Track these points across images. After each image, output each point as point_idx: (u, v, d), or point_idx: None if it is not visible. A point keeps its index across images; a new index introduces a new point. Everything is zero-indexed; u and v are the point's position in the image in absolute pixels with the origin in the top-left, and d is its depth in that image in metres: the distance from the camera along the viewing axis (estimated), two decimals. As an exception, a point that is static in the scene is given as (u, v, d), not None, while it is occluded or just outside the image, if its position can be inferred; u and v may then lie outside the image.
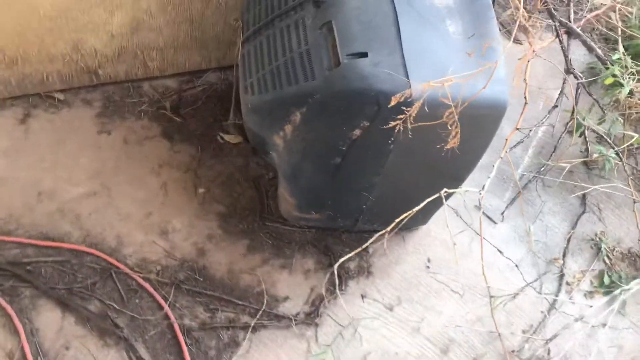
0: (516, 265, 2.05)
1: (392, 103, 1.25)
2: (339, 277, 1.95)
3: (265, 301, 1.86)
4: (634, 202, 2.21)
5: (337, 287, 1.92)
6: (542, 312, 2.03)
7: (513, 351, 1.92)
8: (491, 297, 1.85)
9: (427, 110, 1.29)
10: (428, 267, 2.04)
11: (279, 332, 1.84)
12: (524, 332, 1.99)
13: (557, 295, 2.07)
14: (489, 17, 1.53)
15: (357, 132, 1.46)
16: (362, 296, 1.95)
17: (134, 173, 2.02)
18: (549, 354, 1.96)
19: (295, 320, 1.86)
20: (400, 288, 1.99)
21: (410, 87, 1.33)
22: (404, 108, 1.29)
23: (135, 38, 2.06)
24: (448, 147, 1.34)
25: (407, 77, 1.35)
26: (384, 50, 1.40)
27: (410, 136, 1.38)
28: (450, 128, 1.30)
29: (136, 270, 1.84)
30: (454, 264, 2.04)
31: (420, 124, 1.32)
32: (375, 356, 1.85)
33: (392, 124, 1.33)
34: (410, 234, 2.08)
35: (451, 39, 1.47)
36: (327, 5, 1.49)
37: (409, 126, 1.31)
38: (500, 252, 1.98)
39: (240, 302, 1.85)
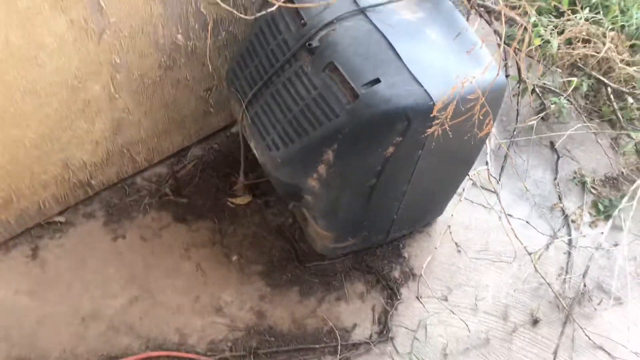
0: (527, 222, 2.27)
1: (437, 107, 1.40)
2: (391, 288, 2.06)
3: (338, 336, 1.93)
4: (595, 134, 2.52)
5: (393, 298, 2.03)
6: (564, 253, 2.25)
7: (560, 295, 2.12)
8: (530, 254, 2.04)
9: (462, 109, 1.45)
10: (459, 251, 2.19)
11: (363, 358, 1.91)
12: (559, 275, 2.19)
13: (570, 235, 2.31)
14: (456, 17, 1.73)
15: (391, 149, 1.59)
16: (418, 298, 2.07)
17: (166, 265, 2.02)
18: (585, 286, 2.17)
19: (372, 342, 1.94)
20: (445, 279, 2.13)
21: (429, 94, 1.49)
22: (438, 114, 1.44)
23: (119, 138, 2.07)
24: (482, 134, 1.51)
25: (422, 87, 1.51)
26: (391, 71, 1.55)
27: (438, 138, 1.53)
28: (481, 119, 1.46)
29: (209, 354, 1.84)
30: (480, 240, 2.22)
31: (452, 122, 1.47)
32: (452, 345, 1.97)
33: (429, 130, 1.47)
34: (432, 228, 2.23)
35: (438, 44, 1.64)
36: (321, 50, 1.62)
37: (445, 128, 1.46)
38: (510, 215, 2.18)
39: (317, 346, 1.90)
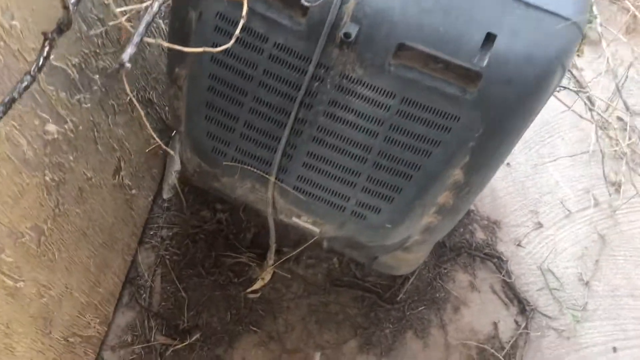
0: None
1: None
2: (490, 256, 1.62)
3: (492, 350, 1.48)
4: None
5: (501, 264, 1.60)
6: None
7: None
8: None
9: None
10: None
11: (535, 347, 1.51)
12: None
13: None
14: None
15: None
16: (519, 244, 1.66)
17: None
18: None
19: (526, 328, 1.53)
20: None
21: (577, 24, 0.93)
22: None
23: (55, 332, 1.19)
24: None
25: (561, 15, 0.94)
26: (496, 13, 0.94)
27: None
28: None
29: None
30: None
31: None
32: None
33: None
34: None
35: None
36: (367, 34, 0.93)
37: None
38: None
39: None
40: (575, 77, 1.98)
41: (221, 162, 1.09)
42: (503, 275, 1.59)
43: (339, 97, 0.97)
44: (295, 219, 1.17)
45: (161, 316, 1.40)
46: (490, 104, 0.94)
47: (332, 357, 1.43)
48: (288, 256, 1.41)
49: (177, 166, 1.58)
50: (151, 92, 1.48)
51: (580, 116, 1.79)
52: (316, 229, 1.17)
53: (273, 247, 1.29)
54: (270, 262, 1.35)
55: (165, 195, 1.56)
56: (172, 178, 1.57)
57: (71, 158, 1.14)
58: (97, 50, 1.13)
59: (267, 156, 1.05)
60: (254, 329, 1.43)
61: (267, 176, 1.06)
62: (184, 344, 1.37)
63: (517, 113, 0.97)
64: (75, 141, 1.14)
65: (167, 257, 1.47)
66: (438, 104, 0.94)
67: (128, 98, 1.35)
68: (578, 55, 2.05)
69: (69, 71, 1.05)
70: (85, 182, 1.21)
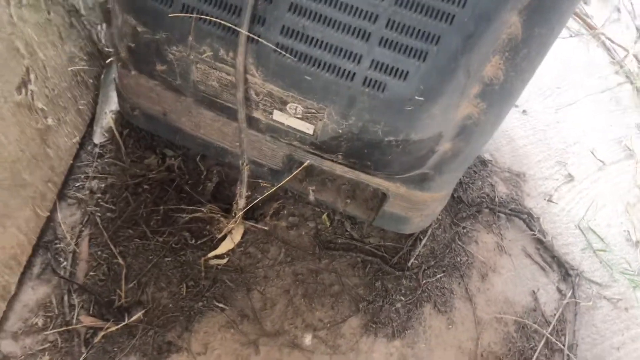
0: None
1: None
2: (516, 212, 1.29)
3: (540, 328, 1.13)
4: None
5: (531, 219, 1.27)
6: None
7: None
8: None
9: None
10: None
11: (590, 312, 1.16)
12: None
13: None
14: None
15: None
16: (549, 200, 1.34)
17: None
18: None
19: (573, 295, 1.18)
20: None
21: None
22: None
23: None
24: None
25: None
26: None
27: None
28: None
29: None
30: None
31: None
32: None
33: None
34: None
35: None
36: None
37: None
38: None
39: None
40: (586, 22, 1.72)
41: (166, 15, 0.74)
42: (536, 234, 1.26)
43: None
44: (277, 114, 0.81)
45: (88, 290, 0.99)
46: None
47: (328, 340, 1.04)
48: (264, 195, 1.04)
49: (112, 104, 1.21)
50: (77, -2, 1.12)
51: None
52: (309, 127, 0.81)
53: (245, 180, 0.91)
54: (241, 205, 0.97)
55: (97, 139, 1.17)
56: (106, 119, 1.20)
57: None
58: None
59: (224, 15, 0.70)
60: (220, 305, 1.03)
61: (235, 27, 0.71)
62: (120, 325, 0.96)
63: None
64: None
65: (98, 214, 1.08)
66: None
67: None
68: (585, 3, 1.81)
69: None
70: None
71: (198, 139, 1.08)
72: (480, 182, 1.32)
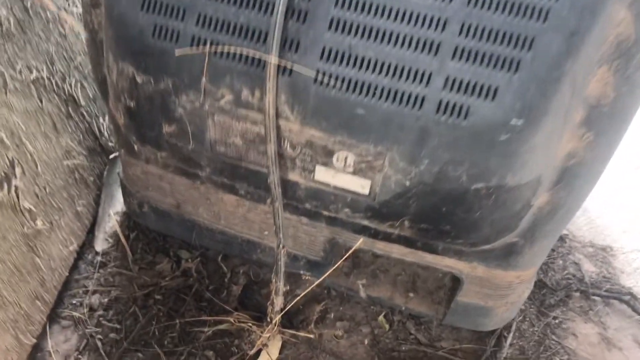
0: None
1: None
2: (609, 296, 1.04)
3: None
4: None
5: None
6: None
7: None
8: None
9: None
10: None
11: None
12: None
13: None
14: None
15: None
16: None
17: None
18: None
19: None
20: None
21: None
22: None
23: None
24: None
25: None
26: None
27: None
28: None
29: None
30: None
31: None
32: None
33: None
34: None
35: None
36: None
37: None
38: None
39: None
40: None
41: (171, 55, 0.58)
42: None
43: None
44: (320, 171, 0.62)
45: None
46: None
47: None
48: (307, 290, 0.81)
49: (117, 205, 1.03)
50: (75, 86, 0.99)
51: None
52: (364, 183, 0.61)
53: (282, 268, 0.70)
54: (278, 305, 0.74)
55: (99, 247, 0.98)
56: (110, 222, 1.01)
57: None
58: None
59: (257, 21, 0.54)
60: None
61: (262, 55, 0.55)
62: None
63: None
64: None
65: (99, 336, 0.85)
66: None
67: (33, 75, 0.86)
68: None
69: None
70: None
71: (218, 233, 0.89)
72: (561, 261, 1.09)
